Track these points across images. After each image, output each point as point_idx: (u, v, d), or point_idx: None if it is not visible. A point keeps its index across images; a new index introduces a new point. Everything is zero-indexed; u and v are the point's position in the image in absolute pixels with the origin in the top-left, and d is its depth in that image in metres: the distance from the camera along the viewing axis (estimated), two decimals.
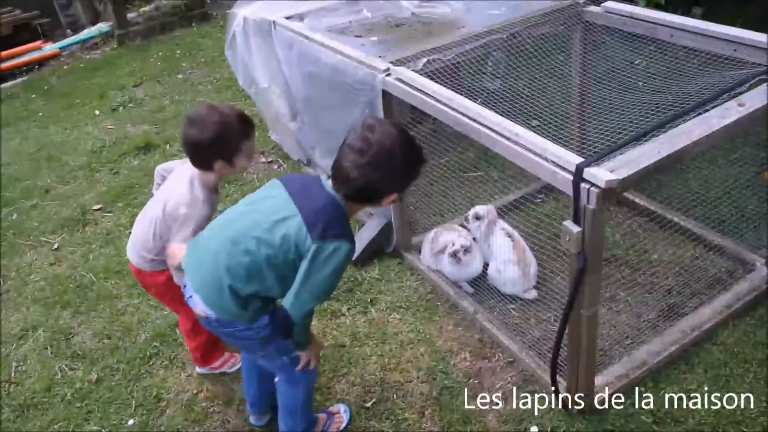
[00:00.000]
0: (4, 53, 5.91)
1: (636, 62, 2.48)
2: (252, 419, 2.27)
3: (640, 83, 2.47)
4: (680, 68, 2.33)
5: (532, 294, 2.59)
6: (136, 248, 2.11)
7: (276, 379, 2.06)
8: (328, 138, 2.96)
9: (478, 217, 2.57)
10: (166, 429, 2.30)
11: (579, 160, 1.67)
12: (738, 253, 2.64)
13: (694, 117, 1.85)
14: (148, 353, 2.61)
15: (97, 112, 4.98)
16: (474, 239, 2.63)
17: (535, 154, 1.78)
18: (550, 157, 1.73)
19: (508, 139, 1.87)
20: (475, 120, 2.00)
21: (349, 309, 2.70)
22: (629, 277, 2.64)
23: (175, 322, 2.74)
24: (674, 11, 3.88)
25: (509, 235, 2.66)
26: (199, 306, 1.76)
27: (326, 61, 2.80)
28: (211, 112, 1.88)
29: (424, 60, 2.50)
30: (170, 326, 2.72)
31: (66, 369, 2.60)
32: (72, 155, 4.34)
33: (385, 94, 2.47)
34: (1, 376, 2.60)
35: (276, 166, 3.87)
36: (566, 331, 1.91)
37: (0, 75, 5.78)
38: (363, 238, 2.99)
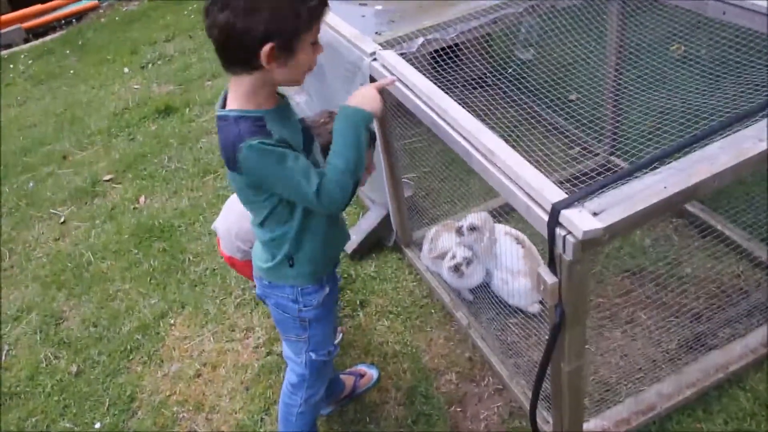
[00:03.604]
0: (47, 5, 5.88)
1: (672, 48, 2.05)
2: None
3: (680, 73, 2.07)
4: (727, 57, 1.90)
5: (536, 308, 2.30)
6: None
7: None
8: None
9: (473, 228, 2.27)
10: None
11: (558, 196, 1.35)
12: None
13: (726, 135, 1.47)
14: (129, 347, 2.53)
15: (126, 70, 4.89)
16: (472, 250, 2.33)
17: (510, 179, 1.47)
18: (524, 187, 1.42)
19: (482, 155, 1.56)
20: (450, 125, 1.69)
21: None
22: (654, 295, 2.30)
23: (161, 313, 2.65)
24: None
25: (518, 241, 2.36)
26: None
27: (322, 37, 2.50)
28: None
29: (420, 40, 2.18)
30: (155, 317, 2.63)
31: (51, 357, 2.56)
32: (95, 117, 4.29)
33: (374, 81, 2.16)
34: None
35: None
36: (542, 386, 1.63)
37: (41, 29, 5.78)
38: (361, 229, 2.76)
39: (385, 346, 2.34)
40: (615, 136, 2.86)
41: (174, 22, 5.51)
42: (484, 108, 3.29)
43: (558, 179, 2.73)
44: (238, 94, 1.41)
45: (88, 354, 2.54)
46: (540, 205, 1.38)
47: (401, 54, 2.14)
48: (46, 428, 2.29)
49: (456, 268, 2.32)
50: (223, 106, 1.44)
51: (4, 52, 5.54)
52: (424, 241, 2.60)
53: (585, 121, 2.89)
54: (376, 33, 2.35)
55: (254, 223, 1.57)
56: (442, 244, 2.48)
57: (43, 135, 4.19)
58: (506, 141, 3.00)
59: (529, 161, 1.75)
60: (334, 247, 1.66)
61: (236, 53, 1.33)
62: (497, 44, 3.19)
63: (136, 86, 4.61)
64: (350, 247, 2.74)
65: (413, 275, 2.61)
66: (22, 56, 5.43)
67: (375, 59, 2.12)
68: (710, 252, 2.39)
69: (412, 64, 2.05)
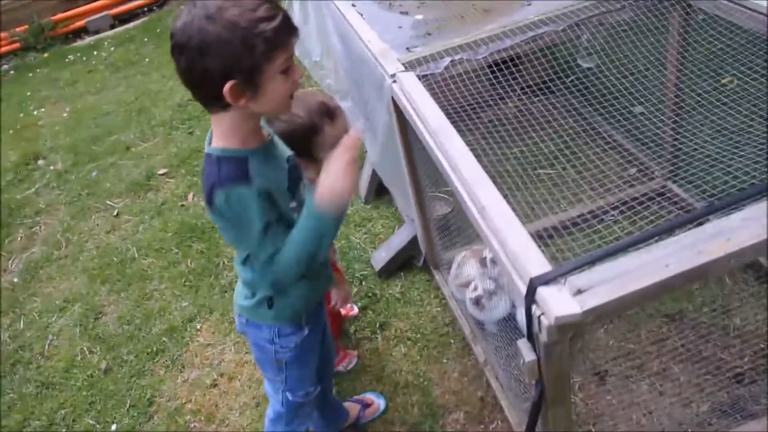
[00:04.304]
0: None
1: (724, 81, 1.81)
2: None
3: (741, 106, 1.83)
4: None
5: None
6: None
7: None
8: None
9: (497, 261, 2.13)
10: None
11: (539, 268, 1.21)
12: None
13: (751, 204, 1.27)
14: (155, 348, 2.61)
15: None
16: (496, 282, 2.21)
17: (498, 241, 1.34)
18: (508, 253, 1.29)
19: (476, 207, 1.44)
20: (451, 167, 1.57)
21: (355, 331, 2.46)
22: (693, 346, 2.08)
23: (189, 317, 2.72)
24: None
25: None
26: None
27: (354, 47, 2.42)
28: None
29: (447, 61, 2.04)
30: (183, 321, 2.69)
31: (86, 351, 2.70)
32: (161, 107, 4.43)
33: (397, 104, 2.06)
34: (37, 348, 2.78)
35: None
36: None
37: (126, 16, 6.04)
38: (391, 246, 2.69)
39: (398, 375, 2.27)
40: (674, 160, 2.62)
41: None
42: (543, 116, 3.09)
43: (609, 203, 2.56)
44: (219, 131, 1.38)
45: (119, 352, 2.64)
46: (521, 276, 1.25)
47: (424, 76, 2.02)
48: (72, 422, 2.42)
49: (477, 301, 2.21)
50: (211, 143, 1.42)
51: (91, 39, 5.84)
52: (453, 263, 2.49)
53: (647, 139, 2.65)
54: (407, 49, 2.24)
55: (236, 262, 1.56)
56: (467, 272, 2.36)
57: (113, 124, 4.38)
58: (563, 152, 2.84)
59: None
60: (314, 290, 1.61)
61: (204, 94, 1.30)
62: (555, 53, 3.00)
63: None
64: (378, 264, 2.68)
65: (438, 299, 2.52)
66: (106, 43, 5.70)
67: (395, 81, 2.01)
68: (765, 302, 2.13)
69: (432, 88, 1.94)
